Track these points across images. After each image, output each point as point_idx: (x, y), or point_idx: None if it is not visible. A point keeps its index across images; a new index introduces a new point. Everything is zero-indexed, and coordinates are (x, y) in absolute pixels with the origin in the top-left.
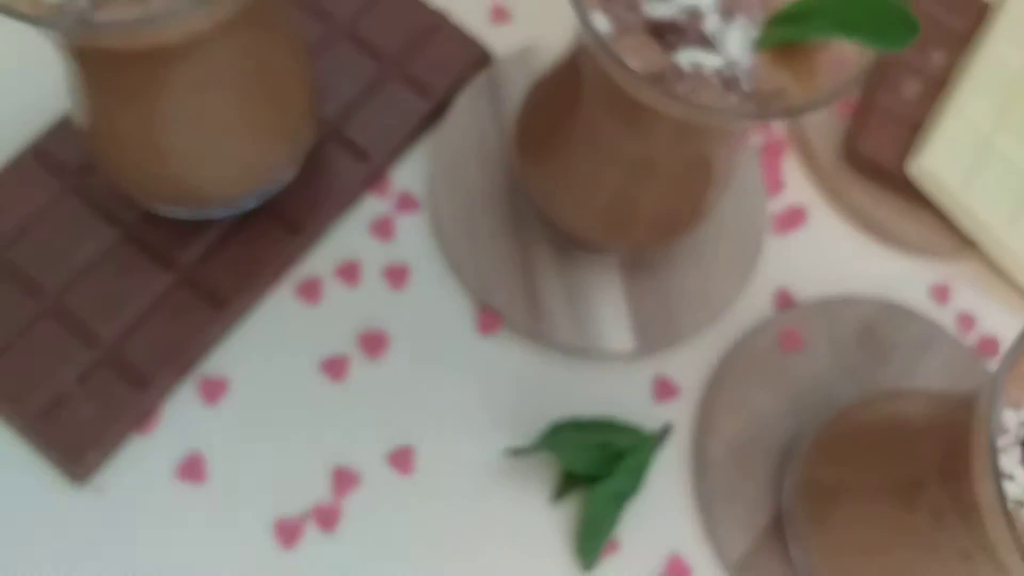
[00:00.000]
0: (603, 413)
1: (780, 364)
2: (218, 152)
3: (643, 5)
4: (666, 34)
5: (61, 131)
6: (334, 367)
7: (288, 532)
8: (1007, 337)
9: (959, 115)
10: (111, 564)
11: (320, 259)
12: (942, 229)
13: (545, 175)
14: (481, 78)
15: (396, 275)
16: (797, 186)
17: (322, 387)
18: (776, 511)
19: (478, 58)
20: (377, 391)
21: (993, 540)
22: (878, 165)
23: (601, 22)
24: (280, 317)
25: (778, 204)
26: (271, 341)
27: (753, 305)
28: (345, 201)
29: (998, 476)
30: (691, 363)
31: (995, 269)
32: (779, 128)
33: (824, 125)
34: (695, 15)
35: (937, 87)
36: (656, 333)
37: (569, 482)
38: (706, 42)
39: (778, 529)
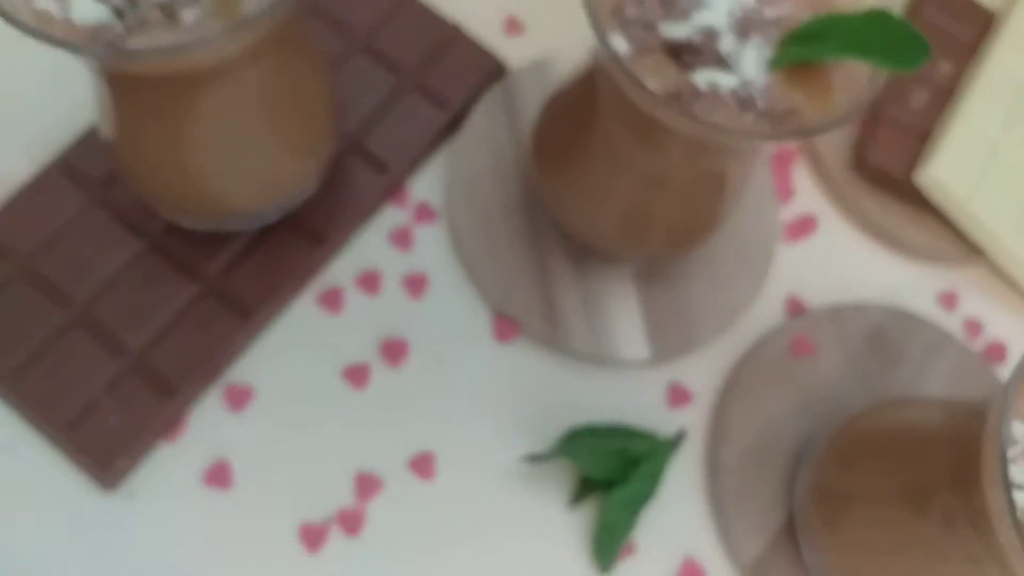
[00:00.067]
0: (618, 419)
1: (792, 370)
2: (244, 168)
3: (660, 26)
4: (683, 54)
5: (86, 144)
6: (356, 374)
7: (313, 536)
8: (1014, 343)
9: (966, 124)
10: (140, 568)
11: (341, 269)
12: (950, 237)
13: (561, 186)
14: (496, 90)
15: (415, 284)
16: (807, 195)
17: (345, 394)
18: (789, 514)
19: (493, 70)
20: (398, 398)
21: (1003, 547)
22: (887, 174)
23: (619, 43)
24: (303, 326)
25: (789, 212)
26: (295, 349)
27: (765, 312)
28: (365, 212)
29: (1008, 486)
30: (704, 370)
31: (1002, 276)
32: None
33: (833, 135)
34: (711, 35)
35: (944, 97)
36: (670, 340)
37: (586, 487)
38: (722, 62)
39: (791, 532)
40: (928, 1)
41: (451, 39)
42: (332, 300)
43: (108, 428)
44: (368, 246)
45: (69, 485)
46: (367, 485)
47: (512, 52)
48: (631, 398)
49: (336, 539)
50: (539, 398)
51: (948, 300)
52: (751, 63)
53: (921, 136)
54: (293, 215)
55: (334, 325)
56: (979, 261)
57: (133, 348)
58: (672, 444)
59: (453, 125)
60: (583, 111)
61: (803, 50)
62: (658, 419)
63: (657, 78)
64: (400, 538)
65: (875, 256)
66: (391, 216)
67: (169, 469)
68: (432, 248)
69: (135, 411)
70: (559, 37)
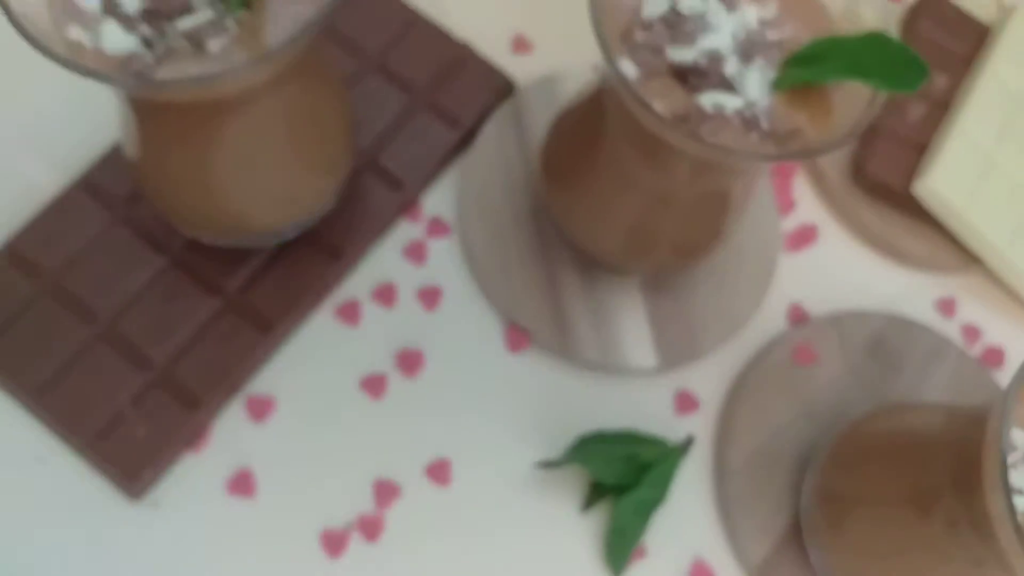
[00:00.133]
0: (628, 426)
1: (795, 377)
2: (265, 188)
3: (667, 50)
4: (689, 77)
5: (108, 162)
6: (373, 385)
7: (334, 542)
8: (1011, 347)
9: (962, 136)
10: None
11: (358, 283)
12: (947, 245)
13: (570, 202)
14: (506, 107)
15: (429, 296)
16: (808, 206)
17: (362, 404)
18: (795, 517)
19: (503, 88)
20: (414, 407)
21: (1004, 550)
22: (885, 185)
23: (628, 67)
24: (322, 338)
25: (790, 223)
26: (314, 361)
27: (768, 321)
28: (380, 227)
29: (1009, 491)
30: (710, 377)
31: (999, 283)
32: None
33: None
34: (716, 58)
35: (941, 109)
36: (677, 349)
37: (598, 492)
38: (727, 84)
39: (797, 535)
40: (923, 15)
41: (461, 58)
42: (349, 313)
43: (135, 440)
44: (383, 260)
45: (96, 495)
46: (386, 492)
47: (520, 69)
48: (639, 405)
49: (356, 545)
50: (550, 406)
51: (946, 307)
52: (755, 85)
53: (918, 148)
54: (311, 231)
55: (351, 337)
56: (976, 269)
57: (157, 362)
58: (681, 450)
59: (464, 142)
60: (590, 130)
61: (804, 72)
62: (666, 425)
63: (664, 101)
64: (418, 543)
65: (875, 265)
66: (405, 231)
67: (193, 478)
68: (445, 261)
69: (160, 423)
70: (565, 55)
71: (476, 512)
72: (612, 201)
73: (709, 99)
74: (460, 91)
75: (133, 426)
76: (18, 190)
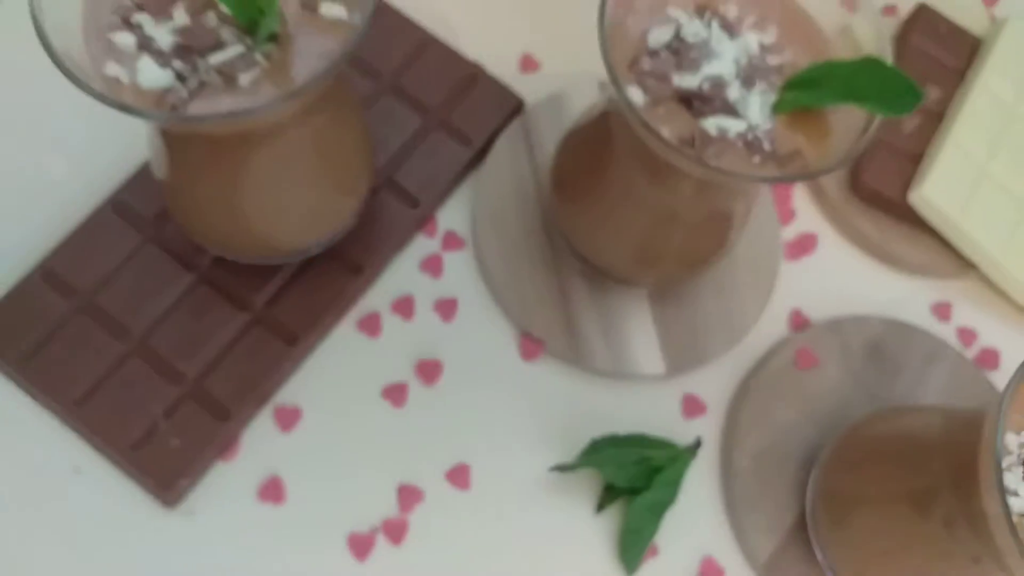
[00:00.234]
0: (638, 430)
1: (797, 380)
2: (291, 211)
3: (673, 76)
4: (694, 102)
5: (136, 182)
6: (395, 393)
7: (361, 545)
8: (1006, 349)
9: (956, 146)
10: None
11: (378, 296)
12: (942, 252)
13: (579, 218)
14: (515, 124)
15: (446, 308)
16: (807, 216)
17: (385, 412)
18: (799, 515)
19: (513, 106)
20: (434, 414)
21: (1000, 547)
22: (882, 195)
23: (636, 94)
24: (345, 350)
25: (790, 232)
26: (338, 372)
27: (770, 326)
28: (399, 243)
29: (1003, 492)
30: (716, 382)
31: (992, 287)
32: None
33: None
34: (719, 84)
35: (934, 121)
36: (684, 356)
37: (611, 494)
38: (730, 109)
39: (802, 532)
40: (917, 29)
41: (473, 77)
42: (370, 325)
43: (169, 450)
44: (402, 274)
45: (132, 504)
46: (409, 496)
47: (528, 87)
48: (649, 410)
49: (382, 547)
50: (563, 412)
51: (942, 311)
52: (756, 109)
53: (913, 159)
54: (333, 247)
55: (373, 348)
56: (970, 274)
57: (188, 375)
58: (690, 452)
59: (477, 159)
60: (598, 150)
61: (802, 96)
62: (674, 429)
63: (670, 126)
64: (441, 544)
65: (872, 271)
66: (422, 245)
67: (225, 486)
68: (460, 274)
69: (193, 434)
70: (571, 72)
71: (495, 514)
72: (619, 217)
73: (713, 123)
74: (471, 110)
75: (167, 437)
76: (50, 211)
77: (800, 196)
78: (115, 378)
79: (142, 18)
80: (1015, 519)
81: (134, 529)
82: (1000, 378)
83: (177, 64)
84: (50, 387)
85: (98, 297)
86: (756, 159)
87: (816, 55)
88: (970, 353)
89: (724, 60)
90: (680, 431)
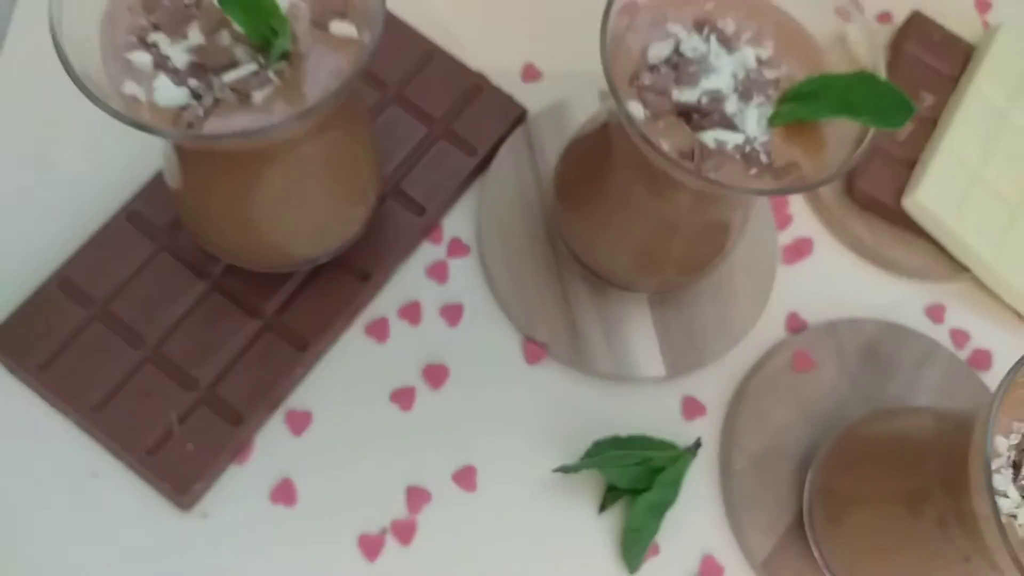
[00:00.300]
0: (639, 431)
1: (794, 382)
2: (302, 223)
3: (672, 91)
4: (693, 116)
5: (148, 192)
6: (403, 397)
7: (371, 546)
8: (998, 350)
9: (949, 152)
10: None
11: (386, 302)
12: (936, 256)
13: (580, 226)
14: (518, 133)
15: (452, 313)
16: (803, 221)
17: (393, 415)
18: (797, 514)
19: (517, 115)
20: (441, 417)
21: (989, 546)
22: (876, 200)
23: (636, 108)
24: (353, 355)
25: (787, 237)
26: (347, 376)
27: (768, 329)
28: (405, 250)
29: (993, 493)
30: (715, 384)
31: (985, 290)
32: None
33: None
34: (718, 98)
35: (928, 127)
36: (683, 358)
37: (613, 495)
38: (728, 122)
39: (799, 531)
40: (911, 36)
41: (477, 87)
42: (379, 330)
43: (184, 455)
44: (409, 280)
45: (148, 507)
46: (417, 497)
47: (530, 96)
48: (649, 411)
49: (391, 547)
50: (566, 414)
51: (936, 313)
52: (753, 122)
53: (907, 164)
54: (342, 255)
55: (381, 353)
56: (963, 277)
57: (202, 381)
58: (690, 453)
59: (481, 167)
60: (598, 161)
61: (798, 109)
62: (675, 430)
63: (670, 139)
64: (448, 544)
65: (867, 275)
66: (428, 252)
67: (239, 489)
68: (465, 280)
69: (207, 438)
70: (572, 81)
71: (501, 515)
72: (619, 226)
73: (711, 136)
74: (476, 119)
75: (182, 442)
76: (66, 221)
77: (796, 202)
78: (131, 384)
79: (158, 37)
80: (1003, 519)
81: (150, 531)
82: (992, 378)
83: (192, 82)
84: (67, 393)
85: (113, 305)
86: (753, 171)
87: (811, 68)
88: (963, 354)
89: (722, 74)
90: (680, 432)
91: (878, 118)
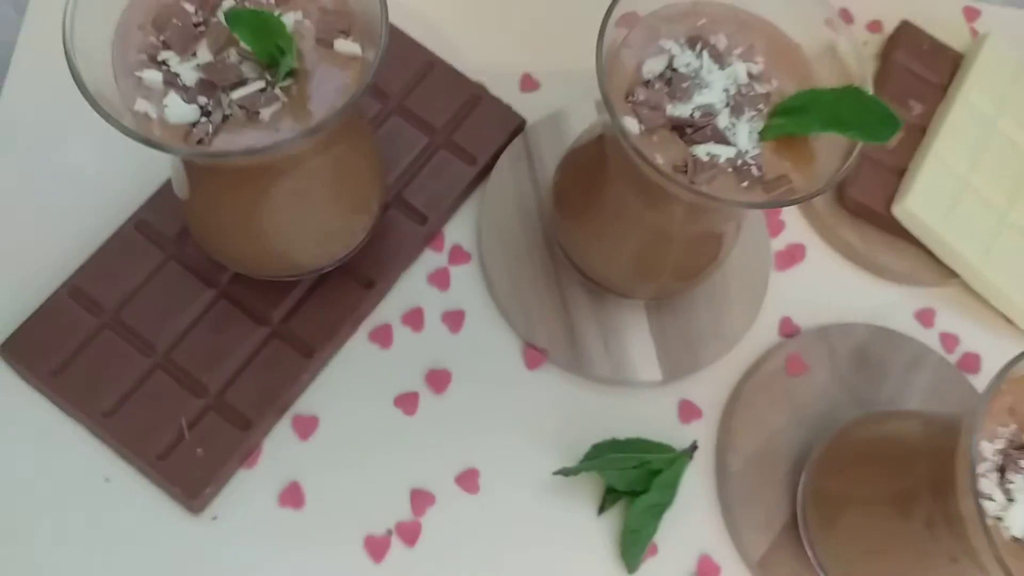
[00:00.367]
0: (637, 434)
1: (787, 385)
2: (308, 233)
3: (666, 106)
4: (686, 130)
5: (156, 201)
6: (406, 402)
7: (377, 547)
8: (987, 353)
9: (937, 160)
10: None
11: (389, 308)
12: (925, 261)
13: (578, 235)
14: (517, 142)
15: (454, 319)
16: (796, 228)
17: (397, 419)
18: (791, 515)
19: (516, 125)
20: (444, 421)
21: (976, 548)
22: (867, 207)
23: (631, 123)
24: (358, 361)
25: (779, 243)
26: (352, 382)
27: (761, 334)
28: (408, 258)
29: (978, 497)
30: (711, 388)
31: (973, 294)
32: None
33: None
34: (710, 113)
35: (917, 135)
36: (679, 363)
37: (612, 497)
38: (720, 136)
39: (794, 531)
40: (900, 46)
41: (476, 97)
42: (382, 337)
43: (194, 459)
44: (411, 287)
45: (159, 510)
46: (421, 500)
47: (528, 106)
48: (647, 415)
49: (397, 549)
50: (566, 418)
51: (925, 318)
52: (745, 136)
53: (897, 172)
54: (346, 263)
55: (385, 359)
56: (952, 282)
57: (211, 387)
58: (687, 455)
59: (481, 176)
60: (595, 172)
61: (787, 123)
62: (671, 433)
63: (664, 153)
64: (452, 546)
65: (858, 280)
66: (430, 260)
67: (247, 492)
68: (467, 287)
69: (216, 443)
70: (568, 91)
71: (502, 516)
72: (615, 235)
73: (704, 150)
74: (475, 128)
75: (191, 447)
76: (76, 231)
77: (789, 209)
78: (141, 391)
79: (168, 55)
80: (989, 522)
81: (162, 534)
82: (981, 381)
83: (202, 99)
84: (79, 400)
85: (123, 313)
86: (745, 184)
87: (802, 81)
88: (953, 358)
89: (714, 89)
90: (677, 435)
91: (865, 132)
